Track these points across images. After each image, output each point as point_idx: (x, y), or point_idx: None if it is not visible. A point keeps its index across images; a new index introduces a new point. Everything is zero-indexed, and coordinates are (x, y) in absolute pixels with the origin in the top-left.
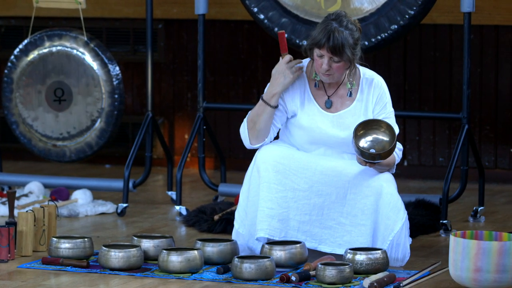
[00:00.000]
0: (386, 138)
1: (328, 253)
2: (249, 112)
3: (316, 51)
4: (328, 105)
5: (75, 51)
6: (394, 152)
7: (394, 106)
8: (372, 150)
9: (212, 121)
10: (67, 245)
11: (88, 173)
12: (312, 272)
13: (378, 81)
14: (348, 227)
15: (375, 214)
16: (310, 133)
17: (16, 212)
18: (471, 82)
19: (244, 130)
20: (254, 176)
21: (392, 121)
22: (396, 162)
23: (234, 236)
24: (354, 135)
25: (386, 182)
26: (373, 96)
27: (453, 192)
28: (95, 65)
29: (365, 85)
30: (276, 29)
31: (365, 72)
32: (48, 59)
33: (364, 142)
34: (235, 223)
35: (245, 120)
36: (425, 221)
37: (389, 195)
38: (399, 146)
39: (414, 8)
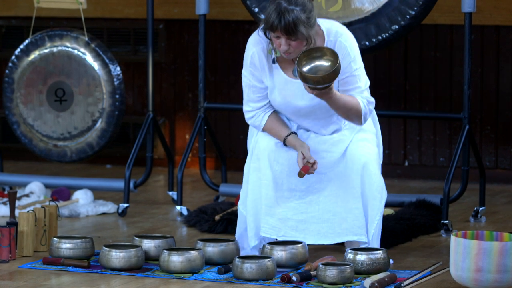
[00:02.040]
0: (328, 63)
1: (329, 245)
2: (264, 123)
3: (272, 34)
4: (295, 73)
5: (76, 51)
6: (360, 101)
7: (394, 106)
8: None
9: (213, 121)
10: (68, 245)
11: (89, 173)
12: (313, 272)
13: (341, 41)
14: (343, 214)
15: (363, 196)
16: (283, 109)
17: (17, 212)
18: (472, 82)
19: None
20: (254, 163)
21: (360, 78)
22: (363, 112)
23: (239, 213)
24: (298, 65)
25: (370, 161)
26: None
27: (454, 192)
28: (96, 65)
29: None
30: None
31: (330, 33)
32: (49, 59)
33: (307, 70)
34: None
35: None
36: (426, 221)
37: (373, 175)
38: (369, 99)
39: (415, 8)
